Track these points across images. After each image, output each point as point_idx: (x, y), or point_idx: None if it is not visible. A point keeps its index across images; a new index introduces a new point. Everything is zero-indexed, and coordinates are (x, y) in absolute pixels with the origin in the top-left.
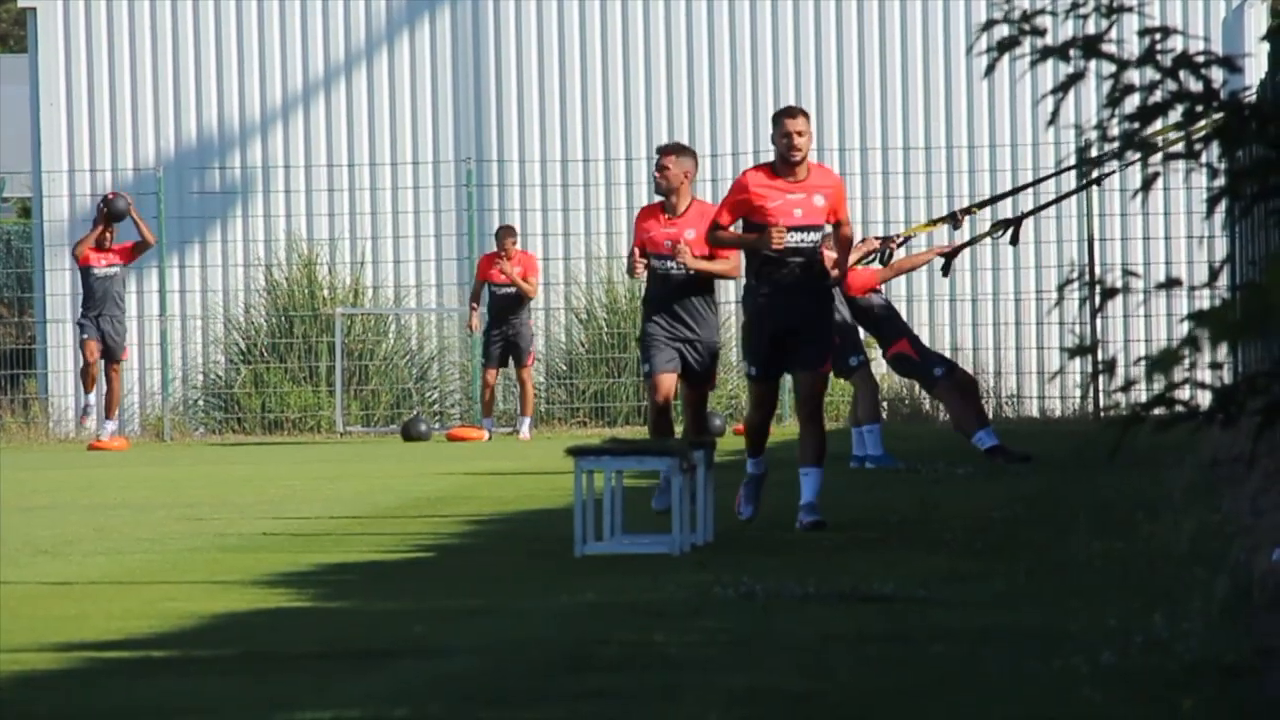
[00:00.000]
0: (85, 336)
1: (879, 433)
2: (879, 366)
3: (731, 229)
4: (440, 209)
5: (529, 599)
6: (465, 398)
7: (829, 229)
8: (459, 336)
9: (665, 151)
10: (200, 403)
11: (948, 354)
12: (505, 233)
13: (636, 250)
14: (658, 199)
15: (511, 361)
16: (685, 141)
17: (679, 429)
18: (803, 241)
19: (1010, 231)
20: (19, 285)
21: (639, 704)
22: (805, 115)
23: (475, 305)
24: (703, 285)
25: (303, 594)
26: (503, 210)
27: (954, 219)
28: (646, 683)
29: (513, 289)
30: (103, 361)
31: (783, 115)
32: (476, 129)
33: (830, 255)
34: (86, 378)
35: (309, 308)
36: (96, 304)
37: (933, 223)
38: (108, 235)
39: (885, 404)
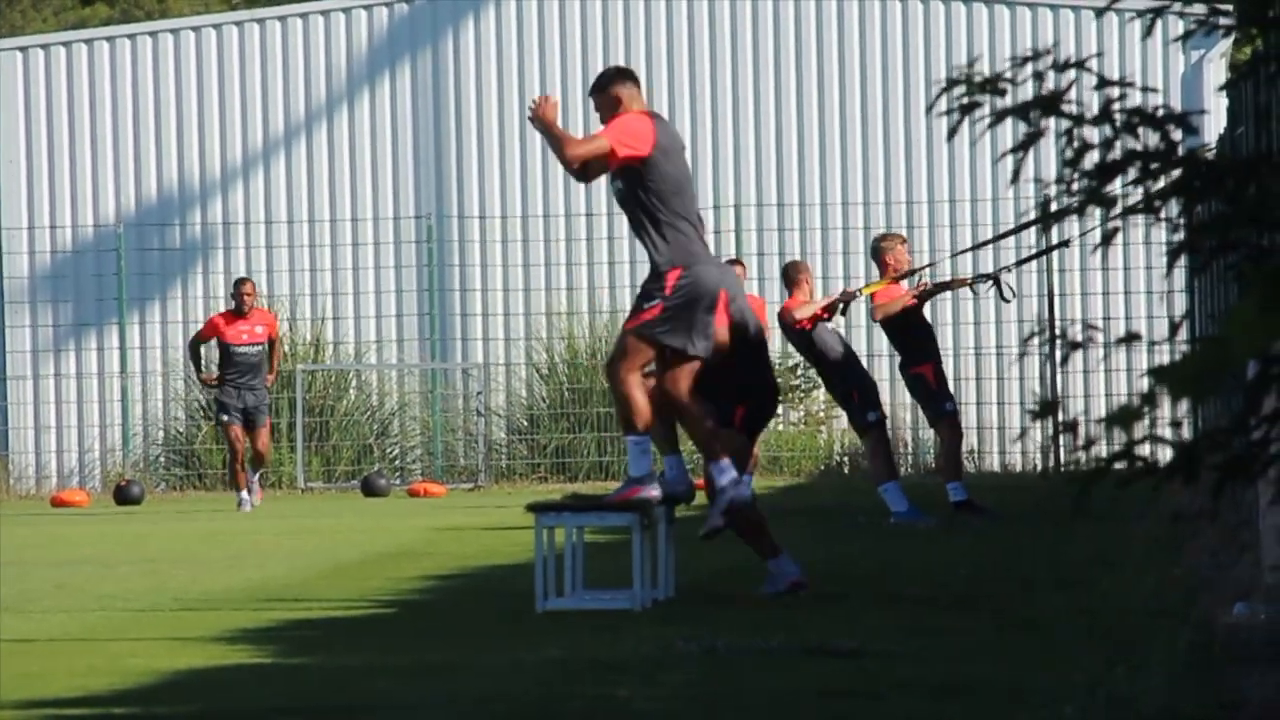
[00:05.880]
0: (226, 419)
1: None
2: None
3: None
4: (401, 265)
5: (492, 654)
6: (426, 453)
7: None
8: (420, 392)
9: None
10: (161, 459)
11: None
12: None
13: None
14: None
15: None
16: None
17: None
18: None
19: (993, 287)
20: None
21: None
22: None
23: None
24: None
25: (264, 650)
26: (463, 266)
27: (913, 273)
28: None
29: None
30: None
31: None
32: (437, 185)
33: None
34: (234, 472)
35: None
36: (236, 376)
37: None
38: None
39: (847, 457)
